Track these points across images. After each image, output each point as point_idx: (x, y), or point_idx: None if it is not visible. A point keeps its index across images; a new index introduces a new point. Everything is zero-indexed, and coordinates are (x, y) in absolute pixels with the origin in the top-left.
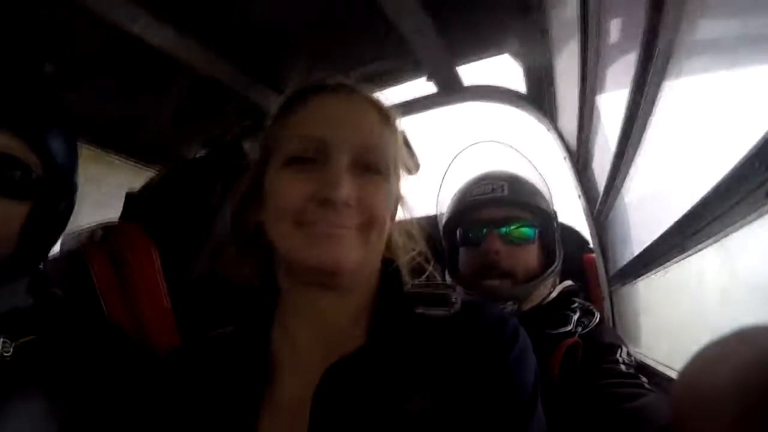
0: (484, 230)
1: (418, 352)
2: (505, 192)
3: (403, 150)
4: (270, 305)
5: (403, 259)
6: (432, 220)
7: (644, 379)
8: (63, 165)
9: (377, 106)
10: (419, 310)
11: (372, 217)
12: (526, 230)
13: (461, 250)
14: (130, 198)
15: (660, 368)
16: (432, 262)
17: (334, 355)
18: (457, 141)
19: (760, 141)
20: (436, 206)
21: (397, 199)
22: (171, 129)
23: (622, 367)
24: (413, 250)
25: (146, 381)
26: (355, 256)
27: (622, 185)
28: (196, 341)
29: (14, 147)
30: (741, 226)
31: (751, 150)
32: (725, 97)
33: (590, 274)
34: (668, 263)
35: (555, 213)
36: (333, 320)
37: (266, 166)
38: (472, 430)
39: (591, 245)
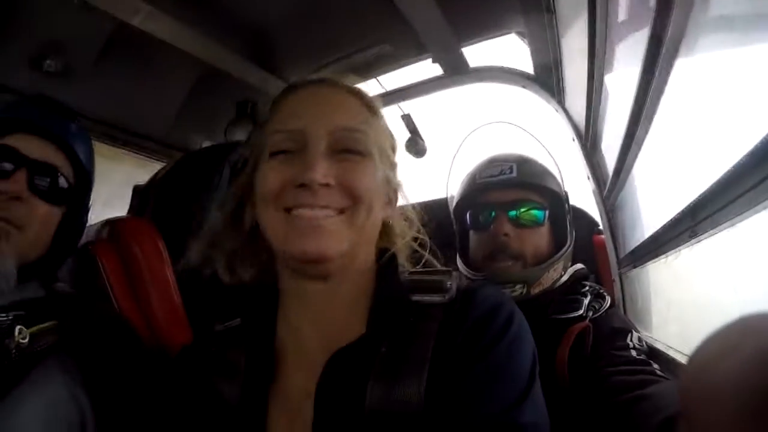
0: (493, 213)
1: (415, 339)
2: (514, 173)
3: (390, 137)
4: (273, 301)
5: (401, 247)
6: (444, 203)
7: (656, 366)
8: (89, 172)
9: (358, 94)
10: (415, 298)
11: (355, 196)
12: (535, 212)
13: (471, 233)
14: (138, 192)
15: (671, 353)
16: (428, 249)
17: (334, 345)
18: (465, 123)
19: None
20: (447, 189)
21: (393, 185)
22: (175, 120)
23: (633, 353)
24: (414, 238)
25: (158, 373)
26: (339, 243)
27: (632, 167)
28: (204, 336)
29: (51, 155)
30: (754, 212)
31: (764, 138)
32: (740, 76)
33: (600, 255)
34: (679, 247)
35: (566, 194)
36: (329, 311)
37: (257, 163)
38: (467, 416)
39: (600, 227)
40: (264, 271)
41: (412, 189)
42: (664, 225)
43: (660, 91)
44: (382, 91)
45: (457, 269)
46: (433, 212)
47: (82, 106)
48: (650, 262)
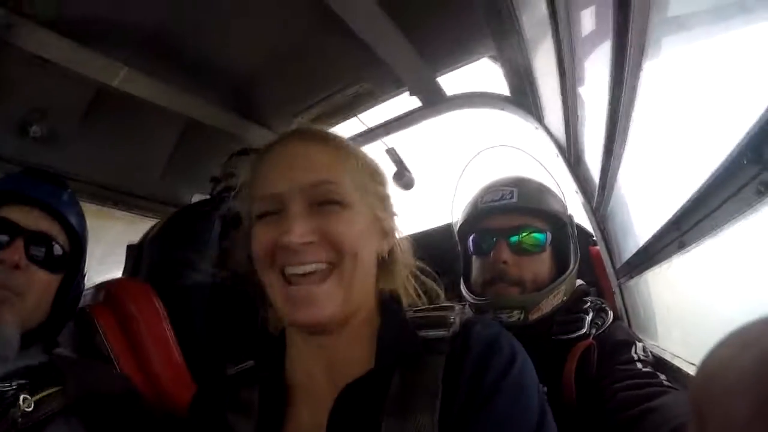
0: (493, 239)
1: (424, 372)
2: (515, 198)
3: (373, 173)
4: (282, 343)
5: (405, 279)
6: (441, 231)
7: (662, 377)
8: (83, 237)
9: (326, 139)
10: (422, 333)
11: (338, 248)
12: (536, 237)
13: (473, 258)
14: (131, 250)
15: (677, 362)
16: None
17: (342, 381)
18: (454, 150)
19: (744, 137)
20: (451, 214)
21: (386, 219)
22: (163, 175)
23: (639, 365)
24: (419, 268)
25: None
26: (331, 308)
27: (616, 177)
28: (217, 381)
29: (45, 225)
30: (735, 222)
31: (737, 146)
32: (708, 77)
33: (598, 266)
34: (671, 257)
35: (570, 217)
36: (335, 354)
37: (249, 222)
38: None
39: (595, 238)
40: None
41: (409, 220)
42: (652, 237)
43: (631, 102)
44: (365, 128)
45: (459, 295)
46: (433, 240)
47: (70, 168)
48: (646, 271)
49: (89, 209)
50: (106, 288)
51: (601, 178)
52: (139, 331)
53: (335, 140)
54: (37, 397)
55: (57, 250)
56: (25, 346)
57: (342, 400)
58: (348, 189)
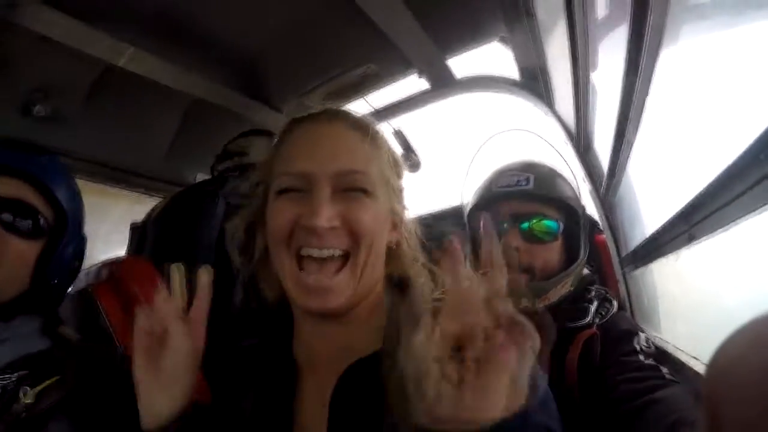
0: (505, 225)
1: None
2: (530, 185)
3: (395, 165)
4: (289, 321)
5: (418, 270)
6: (450, 213)
7: (664, 370)
8: (70, 209)
9: (358, 126)
10: None
11: (358, 234)
12: (548, 225)
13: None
14: (135, 229)
15: (679, 354)
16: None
17: (350, 358)
18: (461, 132)
19: (764, 133)
20: (461, 197)
21: (398, 211)
22: (167, 154)
23: (641, 356)
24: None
25: None
26: (342, 297)
27: (626, 165)
28: (230, 351)
29: (26, 194)
30: (748, 218)
31: (755, 141)
32: (729, 67)
33: (603, 254)
34: (679, 249)
35: (583, 208)
36: (341, 335)
37: (266, 195)
38: None
39: (601, 226)
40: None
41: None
42: (660, 228)
43: (646, 89)
44: (371, 110)
45: None
46: (439, 222)
47: (74, 148)
48: (652, 262)
49: (93, 188)
50: (109, 267)
51: (610, 166)
52: None
53: (367, 127)
54: (38, 388)
55: (31, 215)
56: (7, 318)
57: (346, 378)
58: (374, 179)
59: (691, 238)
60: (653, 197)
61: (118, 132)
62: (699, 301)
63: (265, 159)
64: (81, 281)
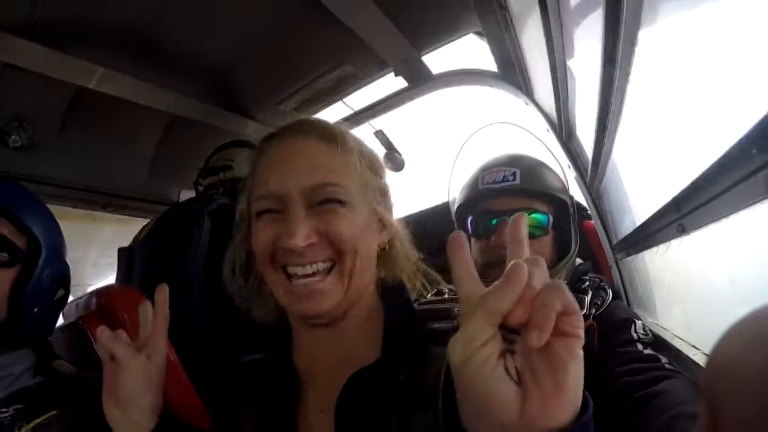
0: (494, 221)
1: (428, 365)
2: (517, 180)
3: (373, 165)
4: (288, 335)
5: (411, 270)
6: (438, 210)
7: (664, 360)
8: (42, 234)
9: (327, 135)
10: (432, 326)
11: (338, 244)
12: (538, 219)
13: (472, 240)
14: (123, 254)
15: (677, 342)
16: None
17: (348, 369)
18: (443, 128)
19: (757, 125)
20: (448, 193)
21: (383, 211)
22: (149, 173)
23: (639, 346)
24: (421, 258)
25: None
26: (332, 299)
27: (610, 154)
28: (231, 368)
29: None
30: (739, 212)
31: (747, 133)
32: (716, 52)
33: (593, 240)
34: (670, 240)
35: (571, 198)
36: (339, 344)
37: (248, 218)
38: None
39: (589, 212)
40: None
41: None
42: (650, 217)
43: (626, 75)
44: (351, 112)
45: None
46: (429, 220)
47: (54, 174)
48: (644, 251)
49: (78, 214)
50: (96, 296)
51: (594, 154)
52: (132, 339)
53: (337, 136)
54: (35, 423)
55: (10, 249)
56: None
57: (349, 388)
58: (349, 188)
59: (681, 230)
60: (640, 185)
61: (98, 155)
62: (693, 289)
63: (245, 183)
64: (72, 313)
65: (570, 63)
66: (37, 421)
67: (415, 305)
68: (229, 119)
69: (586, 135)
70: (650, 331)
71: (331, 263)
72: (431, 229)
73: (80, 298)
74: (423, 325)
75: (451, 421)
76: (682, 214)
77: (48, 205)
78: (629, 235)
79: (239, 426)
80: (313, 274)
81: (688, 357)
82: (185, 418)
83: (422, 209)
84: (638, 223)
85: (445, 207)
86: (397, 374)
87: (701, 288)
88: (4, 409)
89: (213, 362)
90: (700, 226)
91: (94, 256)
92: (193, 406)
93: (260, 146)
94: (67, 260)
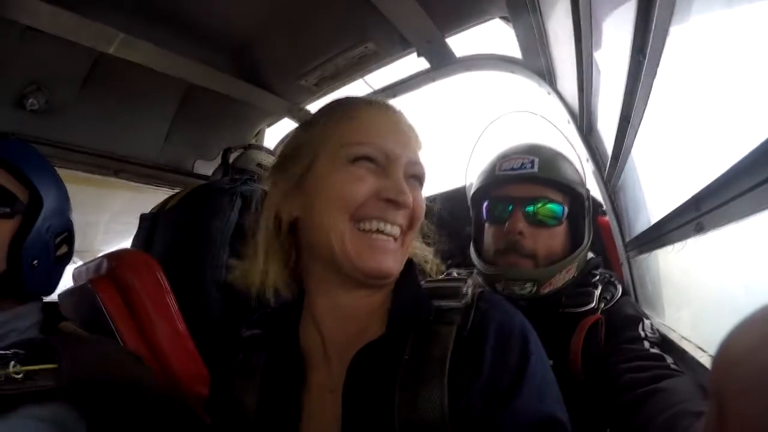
0: (510, 208)
1: (434, 342)
2: (535, 168)
3: None
4: (296, 311)
5: (419, 256)
6: (455, 194)
7: (670, 360)
8: (43, 187)
9: (413, 125)
10: (436, 303)
11: (416, 218)
12: (553, 209)
13: (486, 225)
14: (145, 220)
15: (684, 344)
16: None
17: (359, 342)
18: (460, 112)
19: None
20: (465, 178)
21: None
22: (165, 142)
23: (646, 344)
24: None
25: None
26: (398, 263)
27: (630, 149)
28: (235, 340)
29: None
30: (761, 213)
31: None
32: (746, 48)
33: (606, 237)
34: (686, 238)
35: (588, 192)
36: (356, 315)
37: (314, 163)
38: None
39: (604, 207)
40: (287, 274)
41: None
42: (668, 214)
43: (653, 70)
44: (370, 90)
45: (467, 259)
46: (446, 203)
47: (69, 139)
48: (658, 249)
49: (93, 179)
50: (107, 260)
51: (614, 149)
52: (141, 304)
53: (415, 127)
54: (28, 368)
55: (10, 199)
56: None
57: (357, 361)
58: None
59: (699, 228)
60: (658, 183)
61: (114, 121)
62: (705, 291)
63: (314, 130)
64: (82, 276)
65: (596, 54)
66: (32, 367)
67: (423, 283)
68: (247, 91)
69: (606, 129)
70: (658, 330)
71: (402, 231)
72: (444, 215)
73: (91, 261)
74: (429, 303)
75: (456, 399)
76: (702, 212)
77: (62, 170)
78: (643, 232)
79: (240, 403)
80: (392, 235)
81: (693, 358)
82: (189, 386)
83: (436, 193)
84: (653, 221)
85: (459, 192)
86: (402, 351)
87: (713, 290)
88: (7, 350)
89: (225, 335)
90: (719, 226)
91: (106, 221)
92: (199, 375)
93: (355, 103)
94: (79, 225)
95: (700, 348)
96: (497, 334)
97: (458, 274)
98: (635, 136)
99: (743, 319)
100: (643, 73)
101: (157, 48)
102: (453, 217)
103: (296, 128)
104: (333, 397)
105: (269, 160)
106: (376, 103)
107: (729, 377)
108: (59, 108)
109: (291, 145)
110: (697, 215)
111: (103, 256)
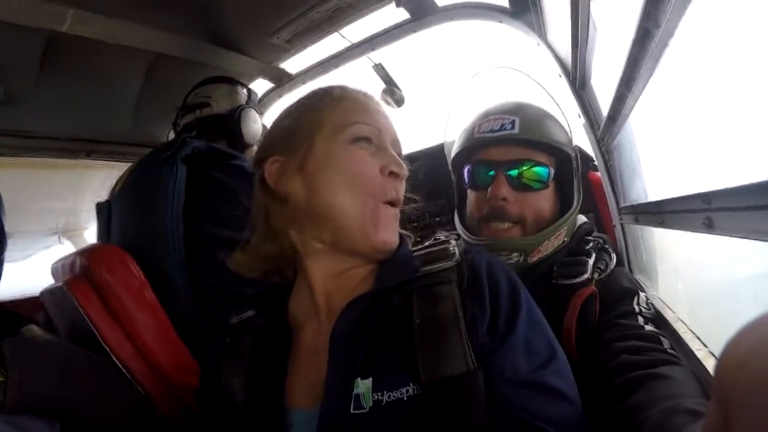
0: (491, 173)
1: (440, 303)
2: (516, 129)
3: None
4: (289, 287)
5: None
6: (434, 152)
7: (666, 343)
8: None
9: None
10: (428, 268)
11: (402, 191)
12: (538, 172)
13: (468, 191)
14: (100, 209)
15: (680, 327)
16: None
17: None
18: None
19: None
20: (445, 139)
21: None
22: (134, 117)
23: (640, 319)
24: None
25: None
26: (397, 237)
27: (629, 115)
28: (222, 330)
29: None
30: None
31: None
32: None
33: (597, 194)
34: (691, 230)
35: (576, 150)
36: (350, 278)
37: (312, 146)
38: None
39: (596, 162)
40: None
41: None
42: (672, 199)
43: (670, 30)
44: (348, 44)
45: (452, 222)
46: (424, 161)
47: (34, 127)
48: (657, 226)
49: (66, 164)
50: (80, 257)
51: (611, 109)
52: (119, 301)
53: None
54: None
55: None
56: None
57: (346, 312)
58: None
59: (708, 225)
60: (659, 155)
61: (78, 102)
62: (707, 286)
63: (304, 113)
64: (59, 274)
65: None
66: None
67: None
68: (216, 55)
69: (601, 87)
70: (653, 305)
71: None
72: (424, 173)
73: (65, 258)
74: (415, 261)
75: (478, 346)
76: (713, 208)
77: (32, 158)
78: (642, 204)
79: (229, 387)
80: (398, 205)
81: (690, 349)
82: (178, 378)
83: (416, 150)
84: (651, 195)
85: (439, 149)
86: (412, 317)
87: (718, 286)
88: None
89: (202, 318)
90: (731, 233)
91: (89, 201)
92: (186, 365)
93: (337, 89)
94: (61, 209)
95: (700, 339)
96: (488, 272)
97: (445, 237)
98: (635, 103)
99: (747, 322)
100: (660, 29)
101: (112, 20)
102: (438, 174)
103: (284, 112)
104: (321, 354)
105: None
106: (354, 89)
107: (734, 379)
108: (18, 96)
109: (282, 127)
110: (706, 209)
111: (75, 254)
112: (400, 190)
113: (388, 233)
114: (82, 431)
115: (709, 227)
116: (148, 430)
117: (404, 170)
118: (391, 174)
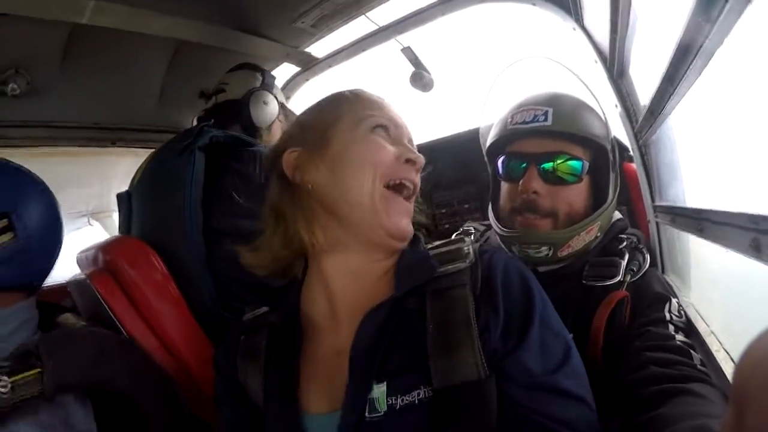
0: (523, 165)
1: (454, 310)
2: (549, 120)
3: None
4: (299, 285)
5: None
6: (465, 138)
7: (697, 358)
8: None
9: None
10: (442, 269)
11: (418, 182)
12: (571, 165)
13: (501, 182)
14: (121, 200)
15: (712, 341)
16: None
17: (368, 305)
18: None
19: None
20: (480, 127)
21: None
22: (159, 103)
23: (671, 327)
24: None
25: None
26: (411, 225)
27: (671, 113)
28: (237, 326)
29: None
30: None
31: None
32: None
33: (632, 186)
34: (734, 250)
35: (613, 142)
36: (367, 276)
37: (333, 136)
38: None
39: (631, 152)
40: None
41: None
42: (717, 211)
43: (732, 20)
44: (375, 27)
45: (484, 207)
46: (464, 146)
47: (58, 117)
48: (694, 236)
49: (91, 152)
50: (102, 252)
51: (652, 103)
52: (142, 295)
53: None
54: (14, 378)
55: None
56: None
57: (368, 319)
58: None
59: (755, 248)
60: (702, 159)
61: (102, 92)
62: (745, 293)
63: (324, 110)
64: (84, 265)
65: None
66: (18, 377)
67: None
68: (240, 40)
69: (643, 77)
70: (684, 313)
71: (414, 191)
72: (460, 158)
73: (89, 249)
74: (432, 262)
75: (490, 354)
76: (761, 230)
77: (58, 147)
78: (680, 208)
79: (247, 385)
80: (412, 188)
81: (721, 370)
82: (202, 371)
83: (446, 135)
84: (690, 201)
85: (469, 136)
86: (415, 317)
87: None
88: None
89: (224, 310)
90: None
91: (117, 185)
92: (209, 358)
93: (345, 91)
94: (88, 194)
95: (732, 359)
96: (503, 275)
97: (475, 229)
98: (678, 102)
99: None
100: (719, 18)
101: (133, 9)
102: (467, 161)
103: (302, 112)
104: (340, 359)
105: (231, 78)
106: (369, 92)
107: (748, 379)
108: (43, 88)
109: (299, 122)
110: (755, 228)
111: (97, 247)
112: (416, 179)
113: (401, 218)
114: (111, 403)
115: (757, 250)
116: (174, 406)
117: (420, 158)
118: (408, 161)
